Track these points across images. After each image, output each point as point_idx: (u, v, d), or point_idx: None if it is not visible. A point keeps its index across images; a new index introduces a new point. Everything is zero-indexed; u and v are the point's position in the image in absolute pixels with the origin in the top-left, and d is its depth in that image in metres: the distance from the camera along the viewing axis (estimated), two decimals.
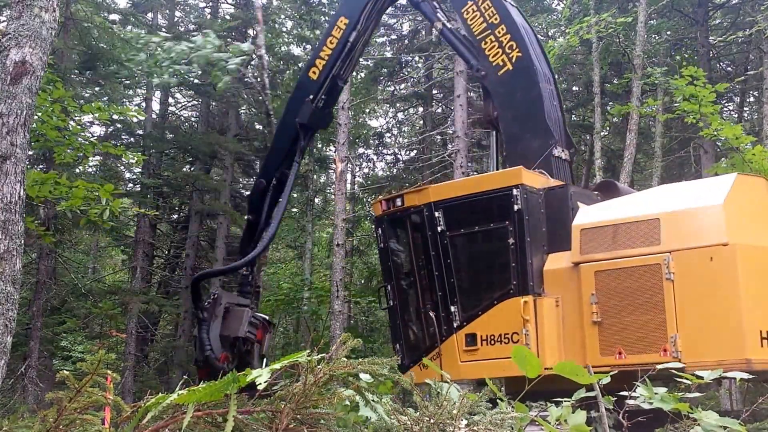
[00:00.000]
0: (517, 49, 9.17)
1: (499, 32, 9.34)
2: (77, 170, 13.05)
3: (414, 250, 9.15)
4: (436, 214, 8.67)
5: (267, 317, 11.06)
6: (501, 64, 9.29)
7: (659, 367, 4.14)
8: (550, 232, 8.19)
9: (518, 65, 9.15)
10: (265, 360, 9.93)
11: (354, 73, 25.10)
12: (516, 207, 8.08)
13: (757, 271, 6.93)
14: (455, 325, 8.37)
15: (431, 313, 8.70)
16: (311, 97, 10.92)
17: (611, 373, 3.69)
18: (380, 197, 10.48)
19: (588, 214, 7.96)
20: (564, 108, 10.02)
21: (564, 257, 7.93)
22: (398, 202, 9.24)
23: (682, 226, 7.22)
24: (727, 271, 6.81)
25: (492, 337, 8.04)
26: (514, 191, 8.09)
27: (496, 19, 9.40)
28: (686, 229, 7.18)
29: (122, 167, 25.85)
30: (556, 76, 10.94)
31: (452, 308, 8.41)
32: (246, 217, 11.91)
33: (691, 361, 6.62)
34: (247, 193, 29.87)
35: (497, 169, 9.79)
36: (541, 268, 8.06)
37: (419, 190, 9.29)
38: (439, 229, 8.64)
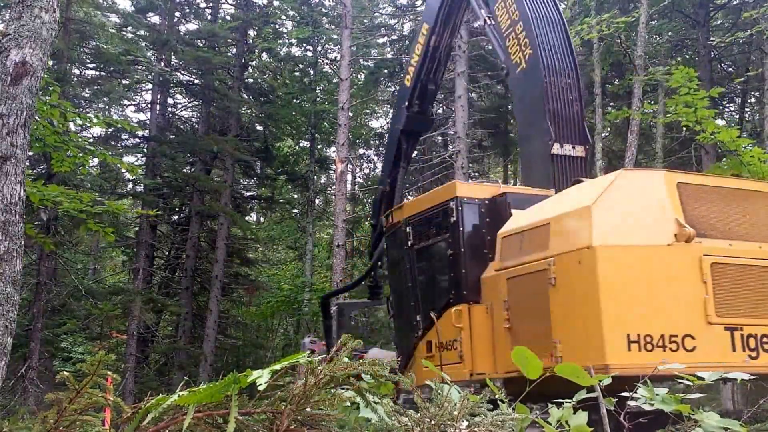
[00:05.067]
0: (529, 47, 9.14)
1: (518, 29, 9.35)
2: (78, 170, 13.05)
3: (399, 263, 9.57)
4: (407, 229, 9.04)
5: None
6: (518, 62, 9.31)
7: (661, 368, 4.13)
8: (494, 241, 8.15)
9: (530, 62, 9.14)
10: None
11: (354, 74, 25.13)
12: (452, 219, 8.25)
13: (630, 271, 6.61)
14: (420, 332, 8.73)
15: (408, 322, 9.12)
16: (406, 103, 11.48)
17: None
18: (388, 211, 10.86)
19: (513, 221, 7.97)
20: (584, 100, 9.87)
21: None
22: (390, 218, 9.74)
23: (563, 229, 7.06)
24: (590, 274, 6.56)
25: (442, 344, 8.31)
26: (451, 204, 8.30)
27: (516, 15, 9.43)
28: (566, 232, 7.00)
29: (124, 169, 25.89)
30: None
31: (418, 317, 8.78)
32: (370, 222, 12.95)
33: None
34: (248, 193, 30.01)
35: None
36: (479, 276, 8.13)
37: (400, 207, 9.67)
38: (409, 243, 9.00)
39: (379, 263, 12.18)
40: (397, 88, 28.21)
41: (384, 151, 12.97)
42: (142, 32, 24.18)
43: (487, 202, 8.41)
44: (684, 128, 13.09)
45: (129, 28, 23.41)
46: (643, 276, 6.62)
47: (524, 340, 7.06)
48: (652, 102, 19.42)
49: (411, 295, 8.97)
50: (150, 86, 25.54)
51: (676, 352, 6.32)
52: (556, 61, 9.13)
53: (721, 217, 7.03)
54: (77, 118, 11.85)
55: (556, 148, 8.83)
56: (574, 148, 8.99)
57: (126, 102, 26.74)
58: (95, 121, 12.64)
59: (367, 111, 30.64)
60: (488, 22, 10.21)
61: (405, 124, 11.49)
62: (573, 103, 9.12)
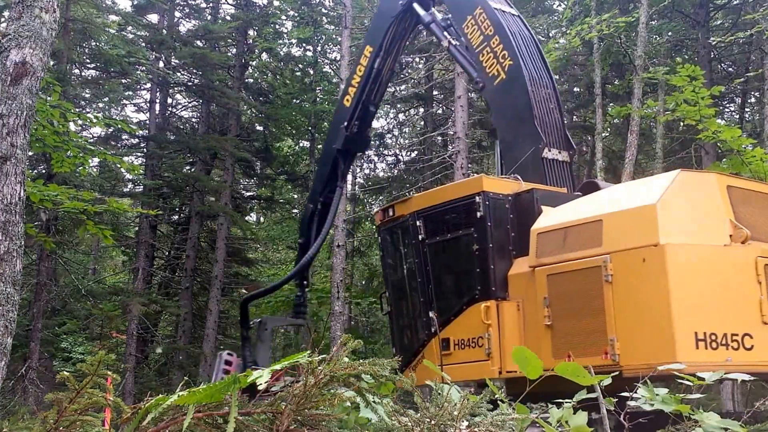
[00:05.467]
0: (509, 58, 9.33)
1: (493, 43, 9.52)
2: (77, 171, 13.06)
3: (403, 258, 9.45)
4: (418, 223, 8.89)
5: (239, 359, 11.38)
6: (496, 74, 9.46)
7: (660, 368, 4.13)
8: (519, 237, 8.15)
9: (510, 73, 9.29)
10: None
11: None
12: (478, 214, 8.19)
13: (695, 270, 6.76)
14: (433, 329, 8.55)
15: (415, 319, 8.97)
16: (345, 123, 11.47)
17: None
18: (380, 207, 10.80)
19: (547, 218, 7.93)
20: (564, 109, 10.15)
21: (527, 262, 7.93)
22: (390, 212, 9.57)
23: (620, 227, 7.10)
24: (658, 272, 6.66)
25: (462, 342, 8.19)
26: (477, 198, 8.22)
27: (490, 30, 9.58)
28: (624, 230, 7.05)
29: (124, 169, 25.90)
30: (559, 77, 11.09)
31: (431, 313, 8.59)
32: (298, 241, 12.67)
33: (627, 364, 6.54)
34: (248, 194, 29.99)
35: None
36: (505, 272, 8.09)
37: (406, 200, 9.56)
38: (420, 237, 8.84)
39: (306, 282, 12.15)
40: (399, 88, 28.27)
41: (318, 167, 12.89)
42: (142, 33, 24.19)
43: (510, 197, 8.37)
44: (684, 126, 13.10)
45: (129, 29, 23.42)
46: (705, 275, 6.79)
47: (570, 337, 7.15)
48: (654, 99, 19.40)
49: (420, 291, 8.81)
50: (149, 86, 25.55)
51: (737, 350, 6.53)
52: (535, 72, 9.37)
53: (762, 221, 7.26)
54: (77, 118, 11.87)
55: (545, 152, 8.94)
56: (560, 153, 9.15)
57: (126, 102, 26.76)
58: (95, 121, 12.66)
59: None
60: (453, 43, 10.34)
61: (343, 144, 11.51)
62: (554, 111, 9.38)
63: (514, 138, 9.32)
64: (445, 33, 10.53)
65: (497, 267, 8.08)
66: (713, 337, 6.46)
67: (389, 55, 11.29)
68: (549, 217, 7.90)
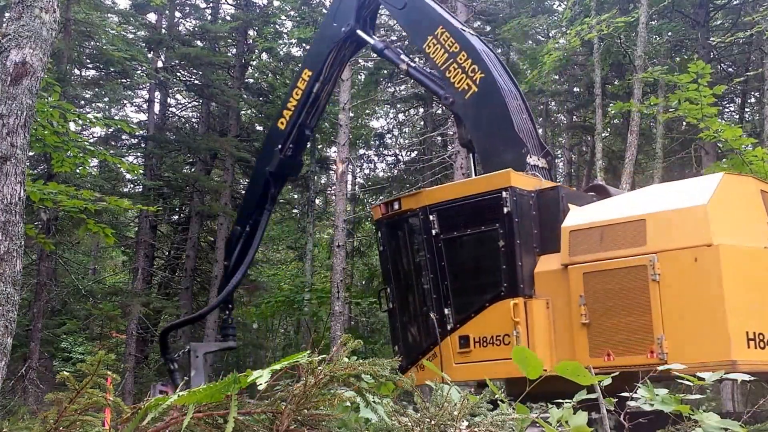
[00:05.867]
0: (480, 71, 9.33)
1: (460, 59, 9.52)
2: (78, 171, 13.06)
3: (411, 253, 9.24)
4: (431, 217, 8.68)
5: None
6: (466, 88, 9.44)
7: (660, 368, 4.13)
8: (542, 234, 8.11)
9: (482, 86, 9.28)
10: None
11: (355, 75, 25.12)
12: (505, 209, 8.06)
13: (743, 271, 6.89)
14: (449, 327, 8.36)
15: (427, 316, 8.74)
16: (279, 146, 11.36)
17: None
18: (380, 201, 10.68)
19: (577, 216, 7.90)
20: (535, 119, 10.24)
21: (555, 259, 7.86)
22: (396, 205, 9.35)
23: (667, 226, 7.16)
24: (712, 271, 6.76)
25: (484, 339, 8.04)
26: (504, 194, 8.09)
27: (456, 47, 9.60)
28: (671, 229, 7.11)
29: (124, 169, 25.90)
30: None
31: (446, 311, 8.43)
32: (224, 262, 12.46)
33: (677, 362, 6.60)
34: None
35: None
36: (531, 269, 8.01)
37: (415, 194, 9.38)
38: (433, 232, 8.64)
39: (230, 306, 12.12)
40: (399, 89, 28.28)
41: (247, 189, 12.86)
42: (142, 33, 24.21)
43: (534, 194, 8.30)
44: (684, 126, 13.14)
45: (130, 28, 23.44)
46: (752, 275, 6.95)
47: (610, 336, 7.18)
48: (657, 96, 19.41)
49: (433, 287, 8.60)
50: (148, 86, 25.58)
51: None
52: (505, 85, 9.42)
53: None
54: (77, 118, 11.88)
55: (528, 159, 8.92)
56: (539, 159, 9.13)
57: (126, 102, 26.77)
58: (95, 121, 12.67)
59: (368, 111, 30.66)
60: (411, 65, 10.43)
61: (276, 167, 11.43)
62: (527, 121, 9.41)
63: (495, 147, 9.25)
64: (402, 57, 10.60)
65: (524, 264, 7.99)
66: (761, 337, 6.62)
67: (328, 80, 11.28)
68: (579, 216, 7.87)
